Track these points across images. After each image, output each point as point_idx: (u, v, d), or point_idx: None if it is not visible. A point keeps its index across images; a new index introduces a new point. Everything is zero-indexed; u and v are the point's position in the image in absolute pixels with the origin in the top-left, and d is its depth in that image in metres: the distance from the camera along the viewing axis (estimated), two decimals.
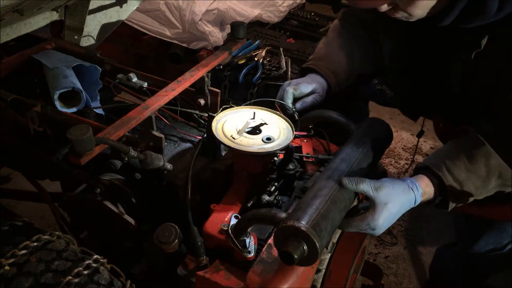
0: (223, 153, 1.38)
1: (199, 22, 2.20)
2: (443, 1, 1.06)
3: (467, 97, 1.26)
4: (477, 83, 1.21)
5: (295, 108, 1.41)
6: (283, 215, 0.97)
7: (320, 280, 1.14)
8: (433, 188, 1.13)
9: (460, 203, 1.17)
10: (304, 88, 1.43)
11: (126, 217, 1.21)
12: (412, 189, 1.09)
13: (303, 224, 0.91)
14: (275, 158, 1.28)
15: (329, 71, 1.50)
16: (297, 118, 1.39)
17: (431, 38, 1.27)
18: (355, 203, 1.12)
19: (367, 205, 1.08)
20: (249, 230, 1.04)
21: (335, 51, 1.54)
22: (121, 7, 1.85)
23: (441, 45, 1.27)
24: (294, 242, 0.91)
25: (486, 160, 1.13)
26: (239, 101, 1.50)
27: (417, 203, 1.11)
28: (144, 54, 2.60)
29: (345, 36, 1.57)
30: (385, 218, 1.05)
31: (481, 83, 1.20)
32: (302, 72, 1.59)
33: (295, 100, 1.44)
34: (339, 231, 1.19)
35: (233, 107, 1.32)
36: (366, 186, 1.05)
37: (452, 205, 1.17)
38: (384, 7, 1.09)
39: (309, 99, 1.44)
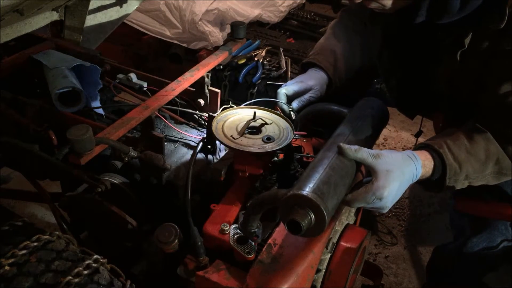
0: (223, 153, 1.38)
1: (199, 22, 2.20)
2: None
3: (456, 95, 1.27)
4: (464, 81, 1.22)
5: (291, 108, 1.41)
6: (285, 191, 0.97)
7: (320, 280, 1.14)
8: (432, 162, 1.11)
9: (456, 186, 1.16)
10: (296, 86, 1.44)
11: (126, 217, 1.21)
12: (411, 159, 1.07)
13: (304, 190, 0.92)
14: (275, 158, 1.28)
15: (329, 64, 1.50)
16: (293, 117, 1.39)
17: (415, 36, 1.28)
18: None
19: (370, 179, 1.06)
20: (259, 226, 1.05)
21: (335, 44, 1.55)
22: (121, 7, 1.85)
23: (425, 44, 1.28)
24: (299, 210, 0.92)
25: (486, 145, 1.14)
26: (239, 101, 1.51)
27: (418, 175, 1.09)
28: (144, 54, 2.60)
29: (343, 30, 1.58)
30: (390, 188, 1.02)
31: (468, 80, 1.21)
32: (302, 68, 1.60)
33: (292, 99, 1.44)
34: (339, 231, 1.19)
35: (233, 107, 1.32)
36: (365, 153, 1.04)
37: (447, 185, 1.14)
38: None
39: (305, 97, 1.44)
